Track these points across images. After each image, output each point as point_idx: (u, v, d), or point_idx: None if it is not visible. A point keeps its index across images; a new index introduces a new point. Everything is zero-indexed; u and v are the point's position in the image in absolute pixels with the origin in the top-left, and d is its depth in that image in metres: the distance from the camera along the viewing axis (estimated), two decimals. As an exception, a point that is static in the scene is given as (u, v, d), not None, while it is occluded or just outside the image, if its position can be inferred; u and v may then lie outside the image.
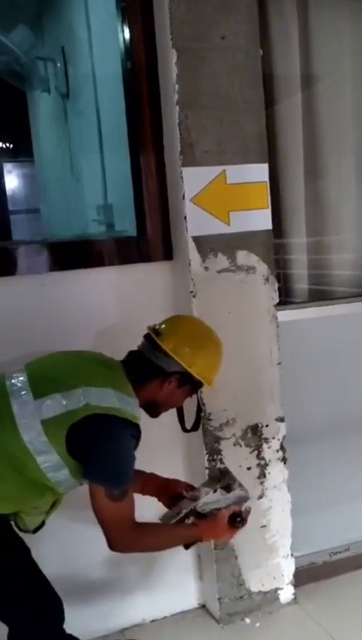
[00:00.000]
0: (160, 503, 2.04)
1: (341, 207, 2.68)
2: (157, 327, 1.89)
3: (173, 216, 2.31)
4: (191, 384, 1.88)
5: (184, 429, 2.04)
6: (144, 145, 2.29)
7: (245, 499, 2.01)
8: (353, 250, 2.73)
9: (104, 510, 1.71)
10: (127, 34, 2.26)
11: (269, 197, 2.30)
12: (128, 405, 1.73)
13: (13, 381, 1.76)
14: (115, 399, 1.70)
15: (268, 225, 2.31)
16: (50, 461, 1.66)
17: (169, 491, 2.03)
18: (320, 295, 2.67)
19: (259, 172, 2.28)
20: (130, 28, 2.25)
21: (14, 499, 1.71)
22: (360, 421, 2.79)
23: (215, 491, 2.01)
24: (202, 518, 1.95)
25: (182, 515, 1.93)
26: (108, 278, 2.29)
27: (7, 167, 5.25)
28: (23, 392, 1.70)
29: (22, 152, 4.97)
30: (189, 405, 2.12)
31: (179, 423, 2.05)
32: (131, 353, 1.89)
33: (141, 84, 2.27)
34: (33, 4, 3.62)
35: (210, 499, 1.99)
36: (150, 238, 2.34)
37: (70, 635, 1.85)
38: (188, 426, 2.10)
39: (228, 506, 1.98)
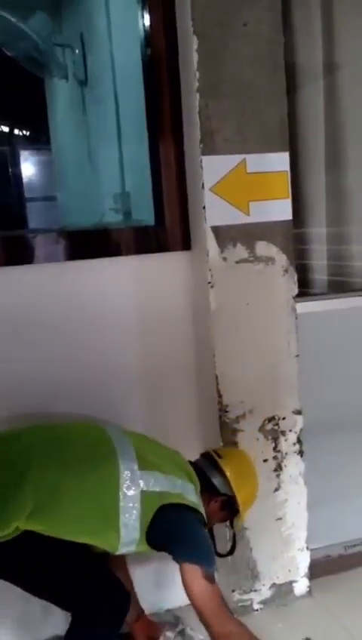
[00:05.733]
0: None
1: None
2: (217, 450, 2.12)
3: (191, 205, 2.29)
4: (230, 511, 2.05)
5: (218, 554, 2.09)
6: (163, 133, 2.27)
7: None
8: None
9: (204, 594, 1.76)
10: (147, 20, 2.23)
11: (290, 186, 2.27)
12: (202, 507, 1.93)
13: (118, 441, 1.91)
14: (196, 498, 1.92)
15: (288, 215, 2.28)
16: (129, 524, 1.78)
17: (151, 635, 2.23)
18: (340, 287, 2.63)
19: (280, 161, 2.24)
20: (150, 13, 2.21)
21: (78, 527, 1.75)
22: (378, 414, 2.77)
23: (175, 637, 2.23)
24: None
25: None
26: (125, 268, 2.28)
27: (24, 154, 5.23)
28: (131, 458, 1.86)
29: (39, 139, 4.95)
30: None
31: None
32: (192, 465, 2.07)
33: (161, 71, 2.24)
34: (51, -10, 3.60)
35: None
36: (168, 227, 2.31)
37: None
38: (222, 551, 2.19)
39: None
